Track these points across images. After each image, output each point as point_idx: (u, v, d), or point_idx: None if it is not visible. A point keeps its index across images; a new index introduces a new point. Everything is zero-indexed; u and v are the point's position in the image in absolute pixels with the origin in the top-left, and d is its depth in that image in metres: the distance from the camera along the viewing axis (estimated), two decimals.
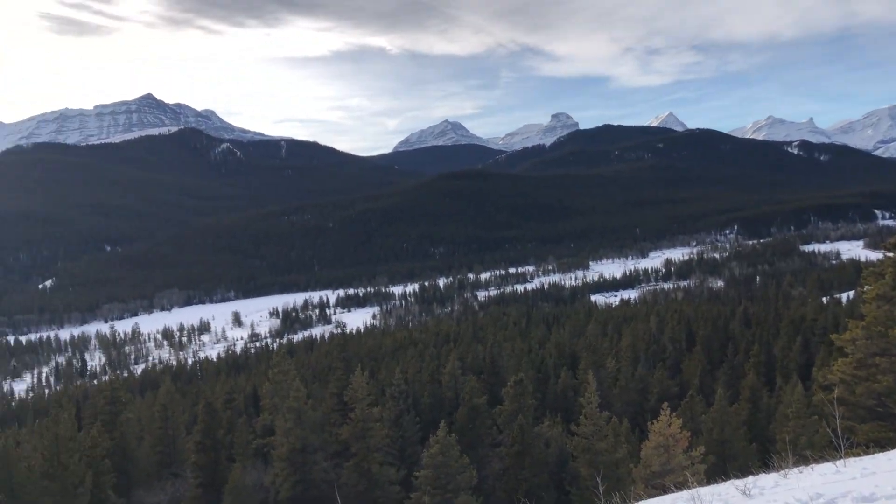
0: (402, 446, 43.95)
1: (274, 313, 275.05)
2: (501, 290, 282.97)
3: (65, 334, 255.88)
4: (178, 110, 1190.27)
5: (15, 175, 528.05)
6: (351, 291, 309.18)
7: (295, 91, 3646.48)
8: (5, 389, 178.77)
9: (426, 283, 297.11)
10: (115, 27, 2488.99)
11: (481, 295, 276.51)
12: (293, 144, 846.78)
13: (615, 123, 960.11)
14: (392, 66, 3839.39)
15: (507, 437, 40.43)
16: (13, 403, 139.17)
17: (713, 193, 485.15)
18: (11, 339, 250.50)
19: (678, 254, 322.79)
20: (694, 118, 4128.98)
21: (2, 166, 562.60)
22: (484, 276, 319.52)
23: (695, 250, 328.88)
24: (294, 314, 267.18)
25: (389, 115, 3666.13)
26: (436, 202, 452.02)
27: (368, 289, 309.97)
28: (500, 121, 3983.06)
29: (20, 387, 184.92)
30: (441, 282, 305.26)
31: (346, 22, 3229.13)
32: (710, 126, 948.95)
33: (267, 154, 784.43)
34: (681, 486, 14.56)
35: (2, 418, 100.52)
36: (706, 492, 11.37)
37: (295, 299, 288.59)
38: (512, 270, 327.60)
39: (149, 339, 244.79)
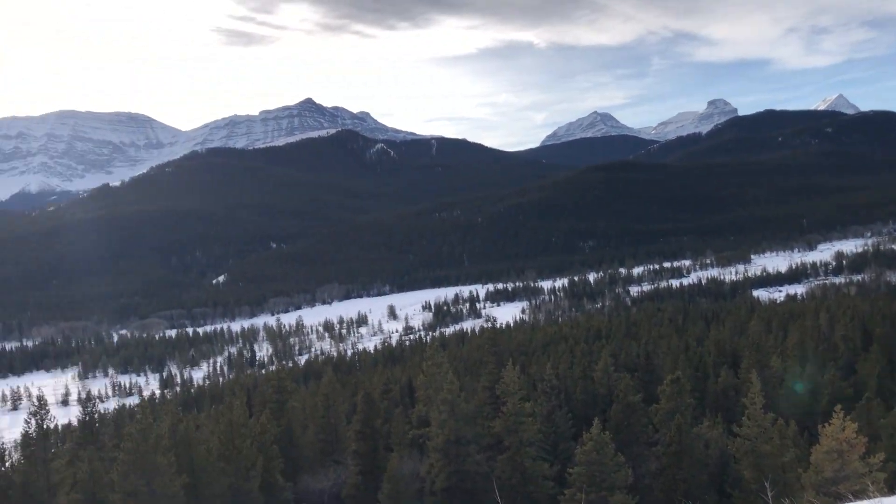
0: (555, 442, 43.70)
1: (426, 307, 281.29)
2: (655, 284, 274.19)
3: (236, 326, 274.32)
4: (335, 113, 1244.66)
5: (192, 179, 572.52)
6: (500, 286, 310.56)
7: (444, 90, 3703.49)
8: (185, 377, 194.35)
9: (576, 278, 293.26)
10: (277, 36, 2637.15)
11: (634, 290, 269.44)
12: (443, 142, 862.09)
13: (778, 108, 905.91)
14: (539, 59, 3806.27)
15: (664, 436, 39.25)
16: (192, 390, 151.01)
17: (890, 180, 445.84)
18: (190, 330, 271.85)
19: (850, 246, 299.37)
20: (867, 100, 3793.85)
21: (181, 171, 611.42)
22: (636, 270, 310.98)
23: (870, 242, 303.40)
24: (445, 308, 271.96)
25: (537, 109, 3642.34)
26: (585, 195, 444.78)
27: (517, 283, 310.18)
28: (651, 110, 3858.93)
29: (198, 374, 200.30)
30: (591, 276, 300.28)
31: (493, 18, 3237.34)
32: (887, 108, 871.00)
33: (418, 153, 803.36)
34: (859, 494, 13.58)
35: (183, 403, 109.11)
36: (890, 503, 10.52)
37: (446, 293, 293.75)
38: (666, 265, 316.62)
39: (311, 331, 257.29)
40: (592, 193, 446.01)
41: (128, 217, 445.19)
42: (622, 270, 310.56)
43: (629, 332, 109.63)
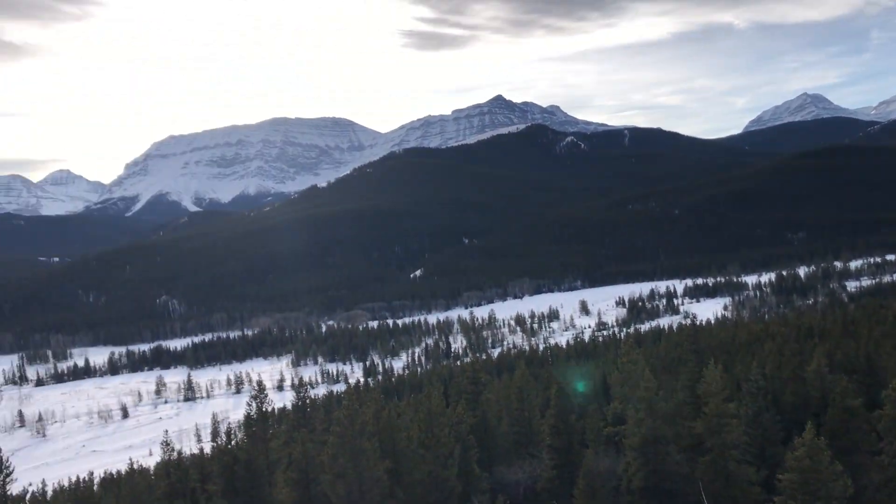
0: (763, 446, 41.18)
1: (620, 302, 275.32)
2: (877, 279, 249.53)
3: (432, 318, 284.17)
4: (525, 108, 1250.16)
5: (391, 178, 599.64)
6: (699, 281, 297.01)
7: (635, 79, 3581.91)
8: (386, 366, 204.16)
9: (783, 272, 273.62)
10: (468, 36, 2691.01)
11: (851, 285, 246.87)
12: (636, 132, 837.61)
13: None
14: (739, 41, 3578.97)
15: (891, 445, 35.67)
16: (393, 379, 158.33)
17: None
18: (390, 321, 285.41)
19: None
20: None
21: (380, 171, 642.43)
22: (854, 263, 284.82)
23: None
24: (640, 304, 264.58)
25: (737, 94, 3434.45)
26: (794, 183, 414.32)
27: (718, 278, 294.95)
28: (870, 89, 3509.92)
29: (398, 364, 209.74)
30: (801, 270, 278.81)
31: (688, 1, 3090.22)
32: None
33: (610, 144, 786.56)
34: None
35: (384, 391, 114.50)
36: None
37: (640, 289, 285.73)
38: (890, 257, 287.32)
39: (503, 324, 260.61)
40: (802, 181, 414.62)
41: (333, 215, 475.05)
42: (837, 264, 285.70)
43: (846, 330, 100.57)
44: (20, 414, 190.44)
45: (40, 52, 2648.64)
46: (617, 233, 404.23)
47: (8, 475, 35.50)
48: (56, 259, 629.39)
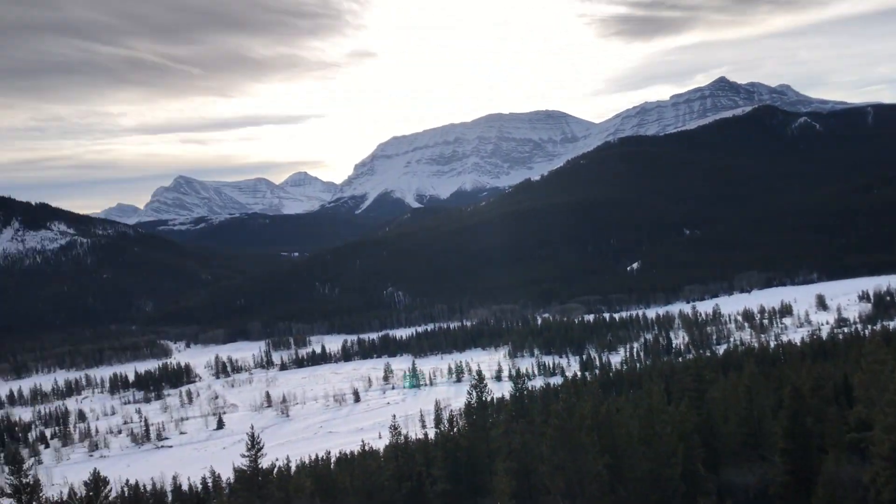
0: None
1: (863, 297, 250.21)
2: None
3: (651, 313, 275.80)
4: (751, 89, 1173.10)
5: (604, 169, 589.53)
6: None
7: (880, 50, 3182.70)
8: (603, 360, 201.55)
9: None
10: (687, 17, 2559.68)
11: None
12: (881, 109, 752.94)
13: None
14: None
15: None
16: (610, 374, 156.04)
17: None
18: (606, 315, 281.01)
19: None
20: None
21: (593, 162, 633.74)
22: None
23: None
24: (888, 298, 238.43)
25: None
26: None
27: None
28: None
29: (615, 359, 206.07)
30: None
31: None
32: None
33: (849, 124, 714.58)
34: None
35: (602, 386, 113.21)
36: None
37: (888, 281, 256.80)
38: None
39: (729, 320, 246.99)
40: None
41: (546, 208, 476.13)
42: None
43: None
44: (267, 395, 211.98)
45: (278, 67, 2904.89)
46: (859, 221, 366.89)
47: (260, 450, 39.99)
48: (296, 254, 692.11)
